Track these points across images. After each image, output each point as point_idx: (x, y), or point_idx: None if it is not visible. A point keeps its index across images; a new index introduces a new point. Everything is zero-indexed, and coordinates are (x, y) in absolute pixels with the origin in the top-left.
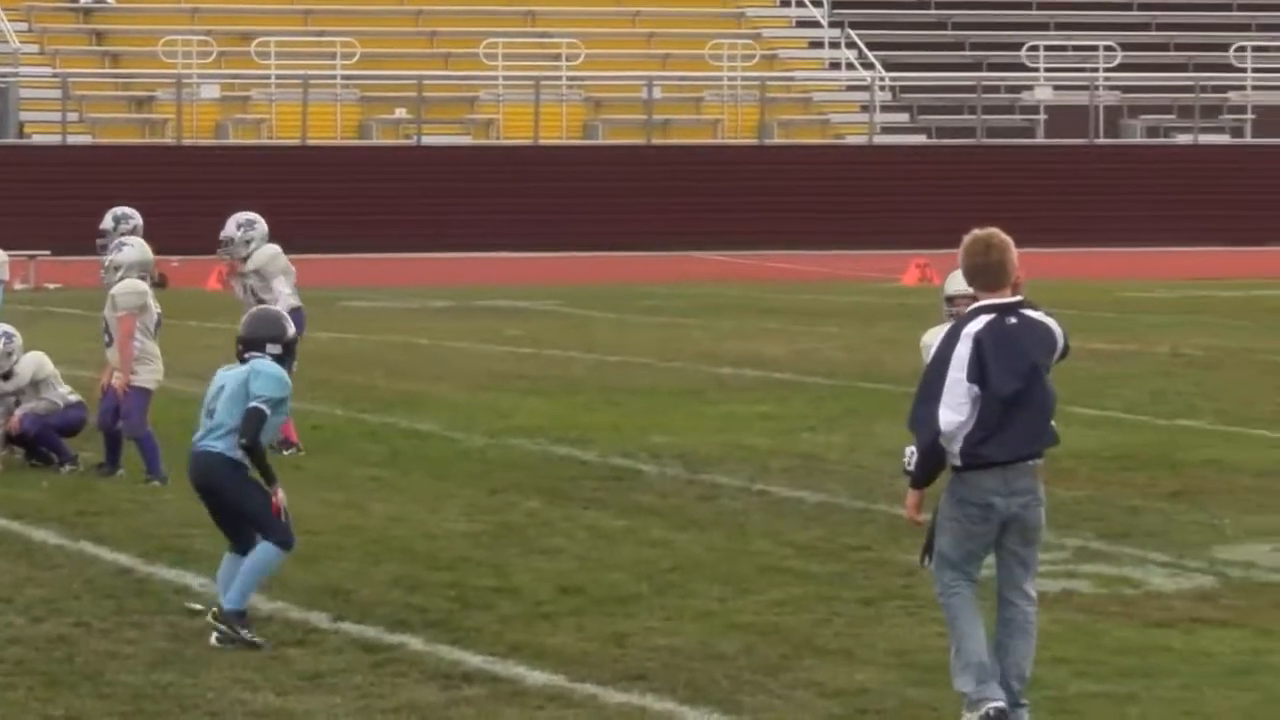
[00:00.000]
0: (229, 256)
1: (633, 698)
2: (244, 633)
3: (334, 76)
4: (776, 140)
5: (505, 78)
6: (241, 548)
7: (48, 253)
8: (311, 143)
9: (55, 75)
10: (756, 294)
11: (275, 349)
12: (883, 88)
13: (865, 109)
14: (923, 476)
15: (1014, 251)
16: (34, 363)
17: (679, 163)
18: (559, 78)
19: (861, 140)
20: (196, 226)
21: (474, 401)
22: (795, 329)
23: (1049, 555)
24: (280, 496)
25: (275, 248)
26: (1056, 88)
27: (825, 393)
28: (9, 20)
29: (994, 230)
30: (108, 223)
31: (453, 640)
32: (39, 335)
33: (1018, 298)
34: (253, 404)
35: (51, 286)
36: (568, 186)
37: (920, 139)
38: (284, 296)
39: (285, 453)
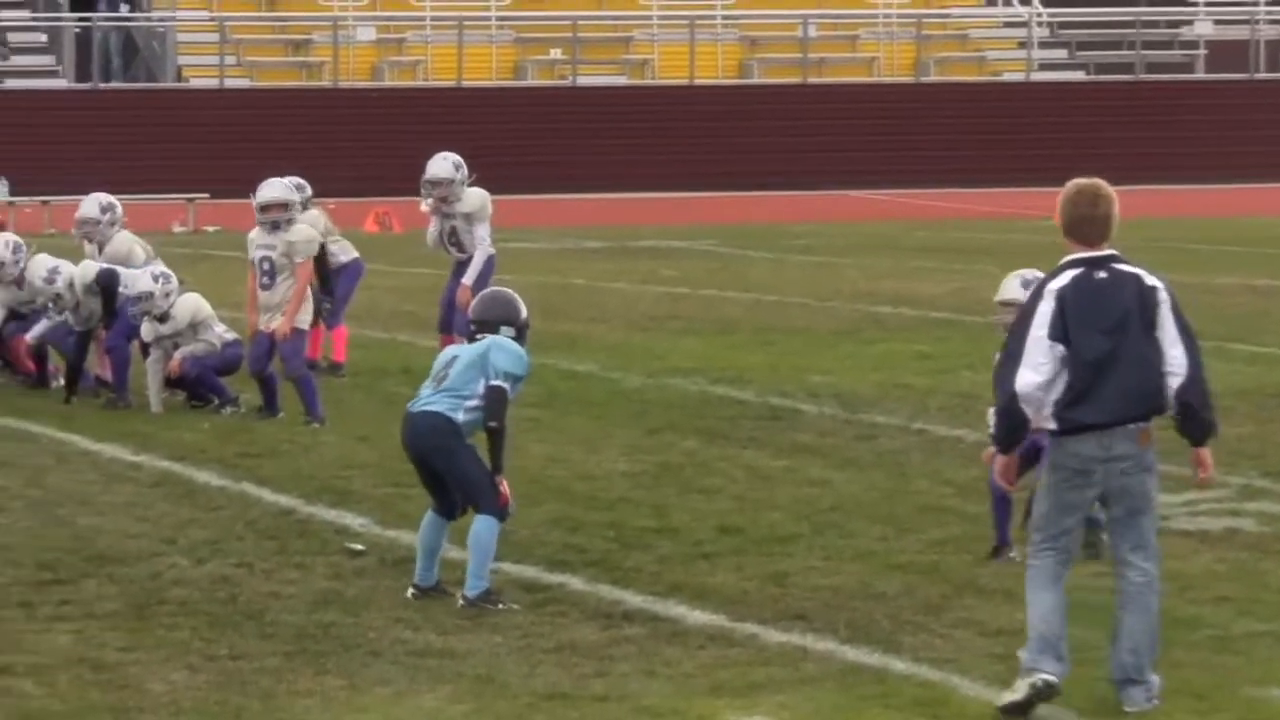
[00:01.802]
0: (440, 198)
1: (793, 637)
2: (499, 607)
3: (489, 18)
4: (933, 78)
5: (660, 17)
6: (445, 510)
7: (206, 195)
8: (467, 84)
9: (213, 19)
10: (913, 232)
11: (509, 331)
12: (1040, 24)
13: (1023, 45)
14: (1004, 439)
15: (1118, 206)
16: (191, 305)
17: (835, 101)
18: (714, 17)
19: (1019, 77)
20: (352, 168)
21: (631, 342)
22: (952, 267)
23: (1214, 494)
24: (506, 488)
25: (485, 193)
26: (1217, 22)
27: (983, 331)
28: None
29: (1099, 181)
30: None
31: (613, 580)
32: (198, 278)
33: (1109, 251)
34: (495, 382)
35: (210, 229)
36: (723, 126)
37: (1078, 75)
38: (484, 242)
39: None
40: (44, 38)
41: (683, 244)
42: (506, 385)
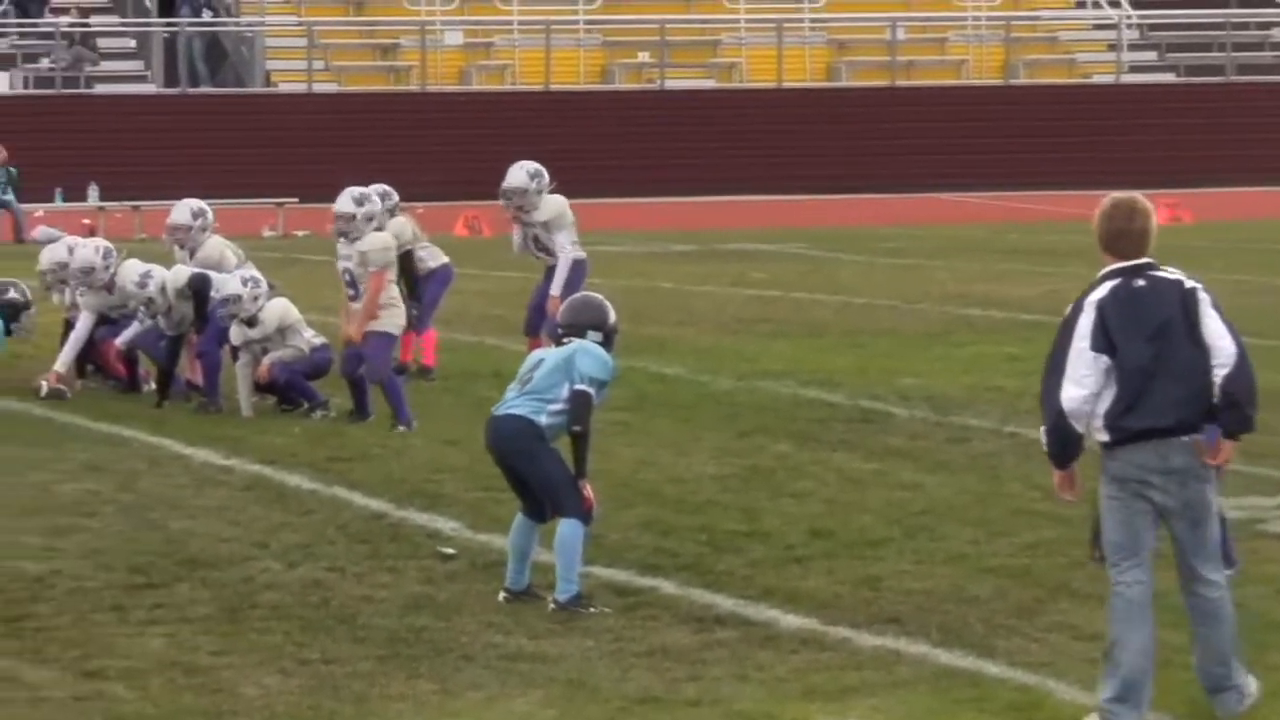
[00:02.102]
0: (516, 207)
1: (886, 641)
2: (590, 611)
3: (577, 22)
4: (1022, 80)
5: (748, 20)
6: (535, 513)
7: (295, 200)
8: (555, 88)
9: (301, 24)
10: (1002, 235)
11: (597, 336)
12: (1130, 25)
13: (1112, 48)
14: (1057, 454)
15: (1155, 219)
16: (279, 310)
17: (923, 104)
18: (802, 20)
19: (1109, 79)
20: (440, 172)
21: (720, 345)
22: (1042, 270)
23: None
24: (590, 492)
25: (563, 200)
26: None
27: None
28: None
29: (1136, 195)
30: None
31: (704, 584)
32: (288, 282)
33: (1146, 259)
34: (580, 386)
35: (300, 234)
36: (811, 129)
37: (1169, 77)
38: (566, 249)
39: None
40: (133, 43)
41: (772, 247)
42: (591, 390)
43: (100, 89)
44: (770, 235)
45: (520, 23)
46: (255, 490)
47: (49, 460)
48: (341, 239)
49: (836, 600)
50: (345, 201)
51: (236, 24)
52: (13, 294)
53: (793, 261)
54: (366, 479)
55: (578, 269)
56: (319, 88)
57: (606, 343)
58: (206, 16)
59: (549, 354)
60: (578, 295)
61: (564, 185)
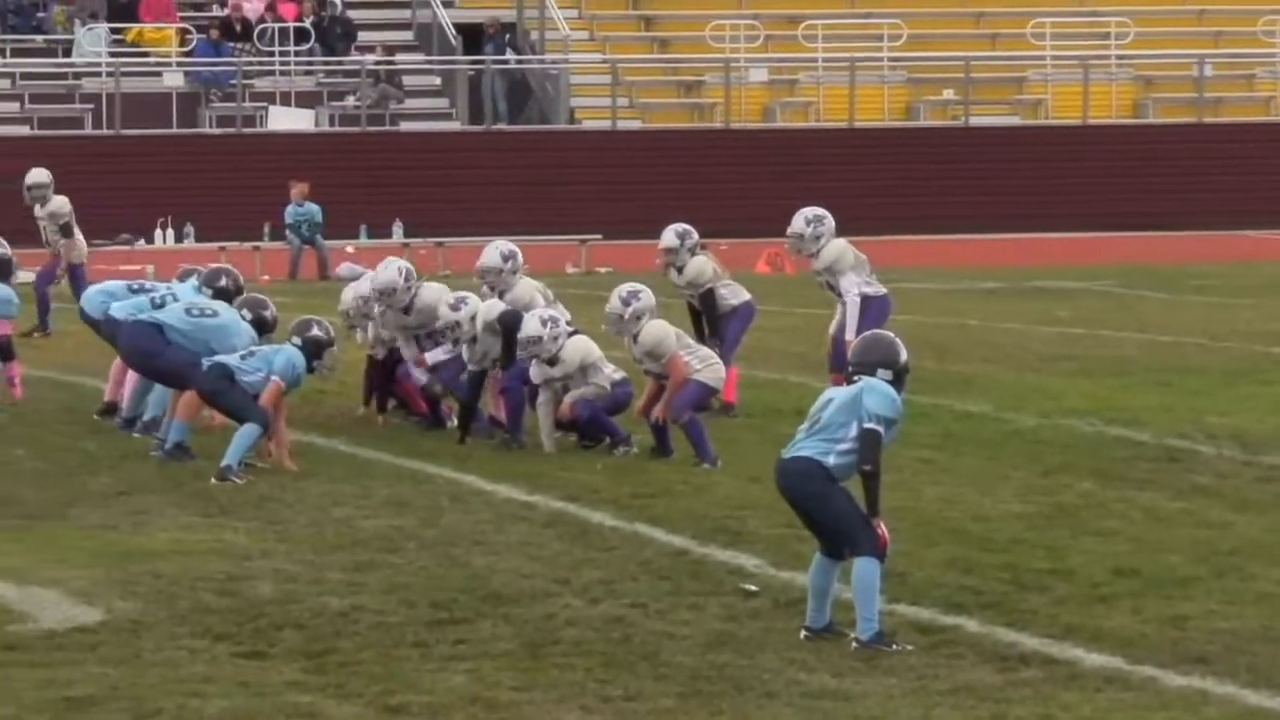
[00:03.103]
0: (797, 253)
1: (1193, 681)
2: (893, 649)
3: (881, 59)
4: None
5: (1054, 57)
6: (833, 551)
7: (599, 236)
8: (858, 125)
9: (605, 61)
10: None
11: (886, 374)
12: None
13: None
14: None
15: None
16: (581, 348)
17: (1232, 140)
18: (1109, 57)
19: None
20: (744, 210)
21: (1025, 382)
22: None
23: None
24: (884, 529)
25: (841, 244)
26: None
27: None
28: (560, 8)
29: None
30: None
31: (1008, 622)
32: (590, 320)
33: None
34: (868, 425)
35: (603, 270)
36: (1118, 166)
37: None
38: (850, 292)
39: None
40: (437, 80)
41: (1078, 284)
42: (880, 428)
43: (405, 126)
44: (1075, 272)
45: (825, 60)
46: (557, 527)
47: (353, 496)
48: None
49: (1142, 639)
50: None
51: (541, 62)
52: (316, 331)
53: (1098, 299)
54: (669, 515)
55: (877, 306)
56: (623, 125)
57: (897, 381)
58: (509, 54)
59: (838, 393)
60: (870, 333)
61: (867, 221)
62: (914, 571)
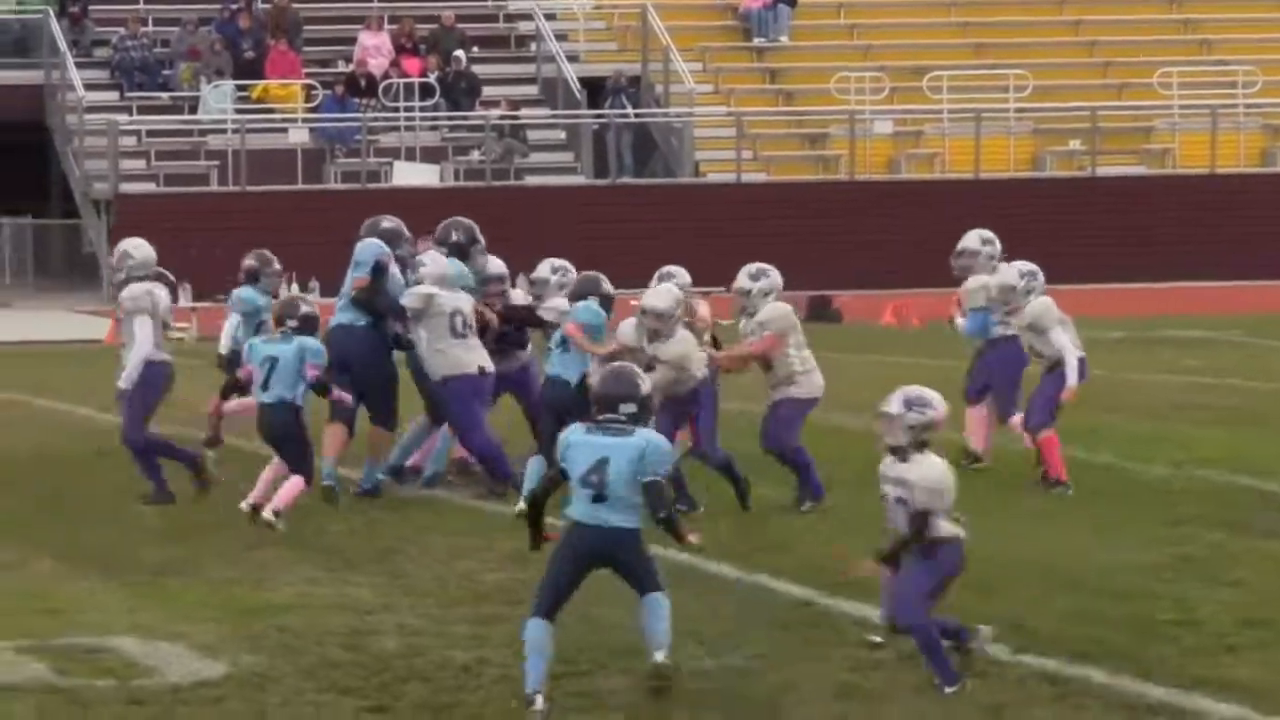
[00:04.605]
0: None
1: None
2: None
3: (1007, 110)
4: None
5: (1181, 106)
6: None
7: (723, 289)
8: (984, 175)
9: (730, 114)
10: None
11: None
12: None
13: None
14: None
15: None
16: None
17: None
18: (1236, 105)
19: None
20: (869, 261)
21: (1153, 432)
22: None
23: None
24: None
25: (1048, 301)
26: None
27: None
28: (685, 61)
29: None
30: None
31: (1135, 672)
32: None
33: None
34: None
35: (725, 323)
36: (1247, 215)
37: None
38: (1066, 348)
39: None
40: (562, 135)
41: (1207, 334)
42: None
43: (530, 180)
44: (1206, 322)
45: (950, 111)
46: (679, 579)
47: (476, 549)
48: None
49: (1271, 690)
50: (743, 279)
51: (665, 115)
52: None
53: (1228, 348)
54: (791, 567)
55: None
56: (748, 178)
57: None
58: (628, 107)
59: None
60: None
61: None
62: (1040, 621)
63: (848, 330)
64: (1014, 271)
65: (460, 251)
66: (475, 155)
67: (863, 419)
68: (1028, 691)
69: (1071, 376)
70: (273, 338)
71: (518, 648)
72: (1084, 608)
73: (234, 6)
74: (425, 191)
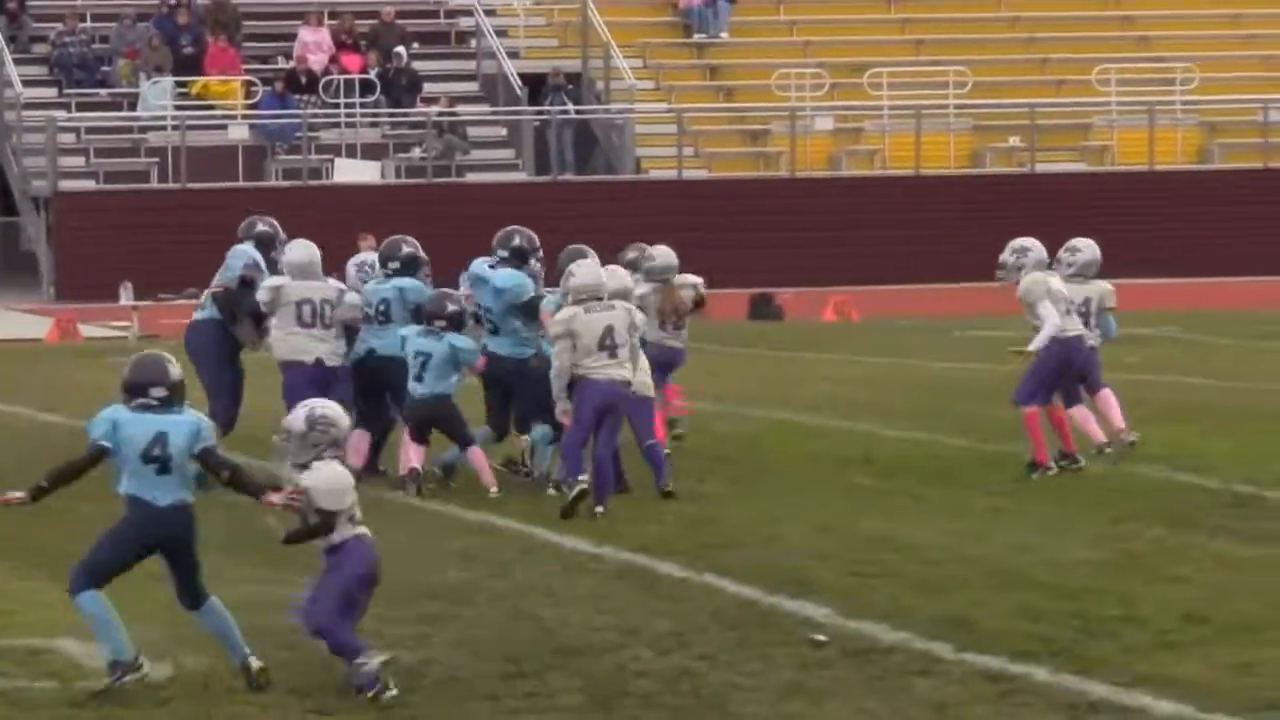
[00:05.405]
0: (1002, 281)
1: None
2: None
3: (947, 106)
4: None
5: (1119, 104)
6: None
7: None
8: (924, 172)
9: (670, 111)
10: None
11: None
12: None
13: None
14: None
15: None
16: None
17: None
18: (1174, 102)
19: None
20: (810, 258)
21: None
22: None
23: None
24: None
25: (1037, 276)
26: None
27: None
28: (625, 57)
29: None
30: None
31: (1077, 670)
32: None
33: None
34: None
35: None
36: (1184, 211)
37: None
38: (1045, 318)
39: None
40: (503, 131)
41: (1145, 330)
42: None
43: (471, 177)
44: (1144, 318)
45: (890, 108)
46: (626, 578)
47: (421, 550)
48: None
49: (1212, 686)
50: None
51: (607, 111)
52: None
53: (1167, 345)
54: (737, 566)
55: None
56: (689, 174)
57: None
58: (569, 104)
59: None
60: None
61: (936, 268)
62: (983, 619)
63: (789, 327)
64: (1008, 249)
65: (520, 256)
66: (416, 152)
67: (810, 417)
68: (970, 690)
69: (1035, 344)
70: (429, 330)
71: (465, 648)
72: (1027, 605)
73: (172, 2)
74: (366, 188)
